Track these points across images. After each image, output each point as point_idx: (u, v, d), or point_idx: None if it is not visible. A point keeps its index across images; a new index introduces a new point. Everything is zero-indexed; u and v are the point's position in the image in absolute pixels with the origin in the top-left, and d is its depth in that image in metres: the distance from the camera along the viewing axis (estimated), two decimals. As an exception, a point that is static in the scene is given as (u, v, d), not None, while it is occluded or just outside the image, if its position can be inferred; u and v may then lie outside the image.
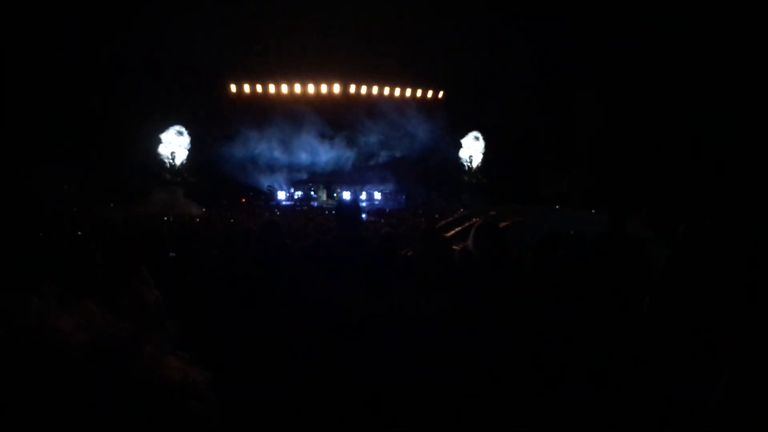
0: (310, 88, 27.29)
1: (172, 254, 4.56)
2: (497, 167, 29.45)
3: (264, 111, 26.50)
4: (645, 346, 3.07)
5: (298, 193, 27.34)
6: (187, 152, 27.72)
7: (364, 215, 11.90)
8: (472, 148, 30.80)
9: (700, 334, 2.90)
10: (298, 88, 27.26)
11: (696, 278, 3.20)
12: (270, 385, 2.83)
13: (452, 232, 7.24)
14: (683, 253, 3.59)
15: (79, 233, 7.61)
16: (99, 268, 3.13)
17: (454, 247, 4.75)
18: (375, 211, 21.79)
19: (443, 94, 28.68)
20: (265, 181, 26.88)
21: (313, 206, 25.15)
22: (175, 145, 27.54)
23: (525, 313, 3.27)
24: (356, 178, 27.80)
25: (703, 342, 2.84)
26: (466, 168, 30.73)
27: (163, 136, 27.30)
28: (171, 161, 27.49)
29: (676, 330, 3.04)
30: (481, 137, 30.59)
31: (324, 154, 27.45)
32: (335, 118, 26.92)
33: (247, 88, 27.14)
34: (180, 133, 27.45)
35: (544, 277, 4.11)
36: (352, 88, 27.52)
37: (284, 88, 27.29)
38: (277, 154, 26.66)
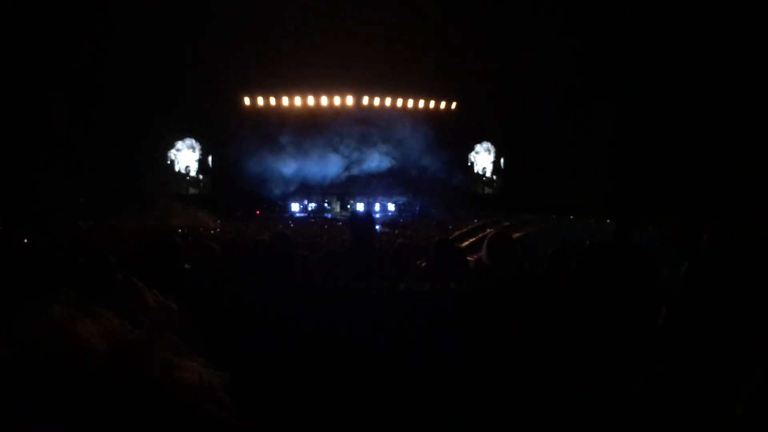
0: (323, 100, 27.43)
1: (187, 266, 4.60)
2: (511, 177, 29.43)
3: (278, 123, 26.67)
4: (658, 356, 3.05)
5: (312, 205, 27.44)
6: (200, 164, 28.00)
7: (378, 226, 11.92)
8: (485, 159, 30.80)
9: (721, 344, 2.88)
10: (311, 100, 27.41)
11: (719, 288, 3.18)
12: (284, 389, 2.85)
13: (466, 243, 7.23)
14: (707, 264, 3.57)
15: (97, 246, 7.69)
16: (116, 281, 3.17)
17: (469, 257, 4.75)
18: (389, 222, 21.79)
19: (456, 105, 28.71)
20: (278, 193, 27.01)
21: (326, 218, 25.21)
22: (188, 157, 27.84)
23: (539, 324, 3.26)
24: (369, 189, 27.82)
25: (724, 351, 2.82)
26: (481, 178, 30.74)
27: (177, 148, 27.62)
28: (186, 173, 27.78)
29: (696, 339, 3.02)
30: (492, 148, 30.59)
31: (337, 165, 27.53)
32: (348, 129, 27.01)
33: (260, 100, 27.34)
34: (192, 147, 27.75)
35: (559, 287, 4.09)
36: (365, 100, 27.61)
37: (297, 101, 27.45)
38: (291, 165, 26.78)
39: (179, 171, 27.74)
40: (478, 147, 30.68)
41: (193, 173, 27.91)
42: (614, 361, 3.16)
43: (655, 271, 4.13)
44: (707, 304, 3.12)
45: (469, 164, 30.45)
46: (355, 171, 27.70)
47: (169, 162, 27.52)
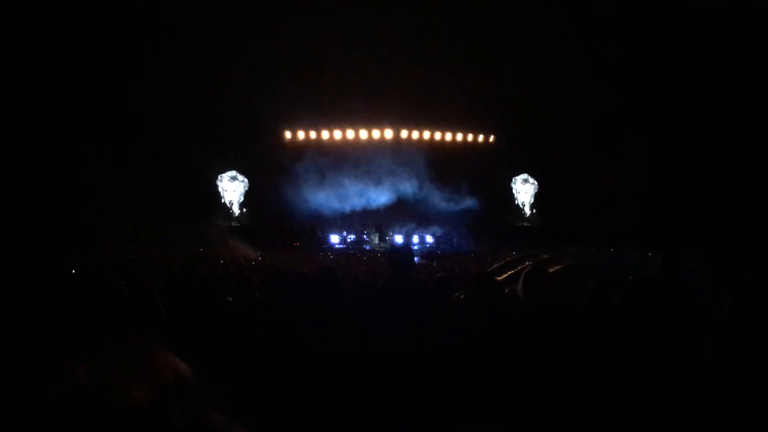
0: (362, 134, 27.78)
1: (229, 299, 4.67)
2: (550, 209, 29.18)
3: (317, 156, 27.08)
4: (703, 395, 2.97)
5: (351, 237, 27.57)
6: (242, 197, 28.58)
7: (416, 258, 11.91)
8: (522, 191, 30.67)
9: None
10: (350, 133, 27.80)
11: (764, 324, 3.11)
12: (322, 425, 2.88)
13: (505, 276, 7.17)
14: (751, 299, 3.49)
15: (141, 277, 7.86)
16: (161, 313, 3.24)
17: (506, 290, 4.72)
18: (426, 253, 21.76)
19: (494, 138, 28.76)
20: (318, 225, 27.28)
21: (365, 249, 25.29)
22: (230, 189, 28.46)
23: (579, 360, 3.22)
24: (407, 220, 27.88)
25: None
26: (520, 211, 30.57)
27: (220, 181, 28.30)
28: (229, 206, 28.36)
29: (741, 376, 2.94)
30: (530, 179, 30.47)
31: (376, 198, 27.73)
32: (386, 162, 27.24)
33: (301, 134, 27.87)
34: (234, 178, 28.37)
35: (601, 322, 4.03)
36: (404, 134, 27.87)
37: (337, 134, 27.87)
38: (330, 198, 27.06)
39: (224, 203, 28.36)
40: (516, 180, 30.60)
41: (236, 206, 28.48)
42: (657, 398, 3.10)
43: (697, 307, 4.04)
44: (752, 340, 3.05)
45: (507, 197, 30.38)
46: (392, 203, 27.84)
47: (215, 194, 28.20)
